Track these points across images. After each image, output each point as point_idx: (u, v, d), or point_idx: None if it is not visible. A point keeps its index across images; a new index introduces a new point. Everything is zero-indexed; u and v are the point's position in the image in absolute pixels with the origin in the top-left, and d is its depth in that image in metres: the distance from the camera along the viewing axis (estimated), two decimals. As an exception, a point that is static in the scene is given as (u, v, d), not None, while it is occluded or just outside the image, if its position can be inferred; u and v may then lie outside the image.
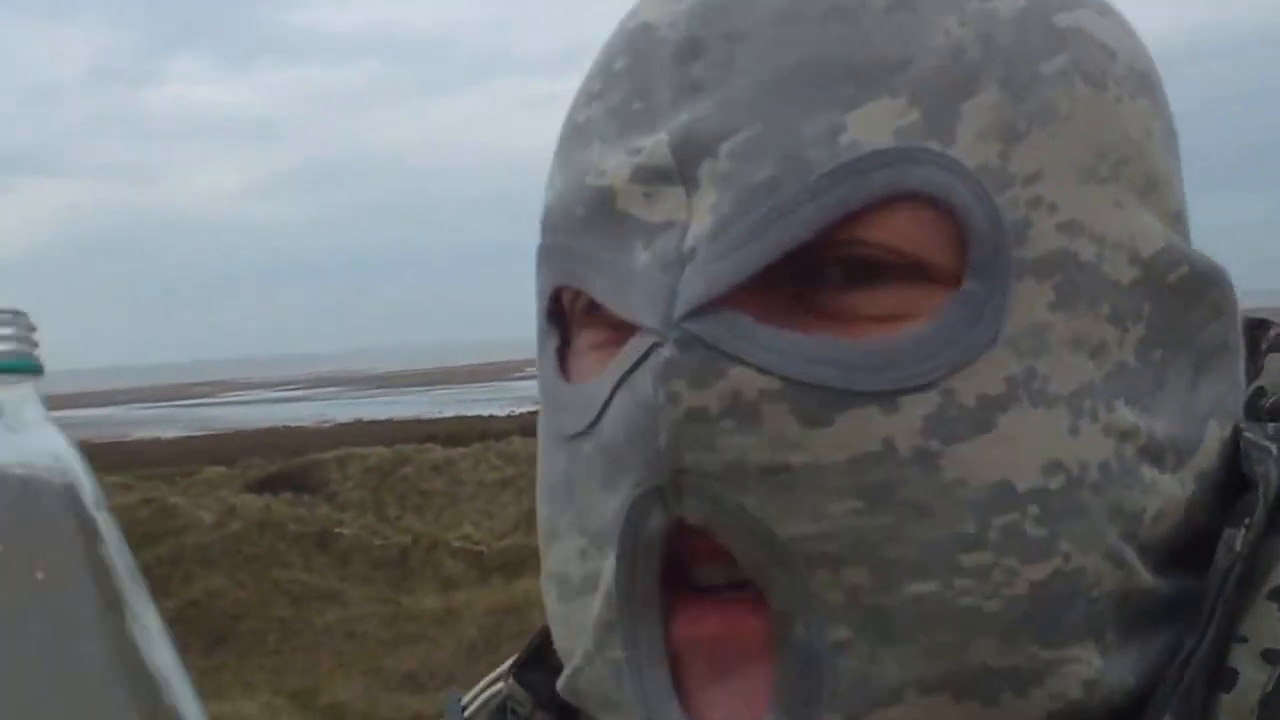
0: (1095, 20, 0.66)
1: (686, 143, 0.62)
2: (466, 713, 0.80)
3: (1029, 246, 0.61)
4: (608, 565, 0.63)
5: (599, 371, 0.64)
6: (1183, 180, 0.68)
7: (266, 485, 19.48)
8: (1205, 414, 0.65)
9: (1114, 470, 0.61)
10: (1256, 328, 0.73)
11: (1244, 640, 0.61)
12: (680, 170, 0.61)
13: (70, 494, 0.52)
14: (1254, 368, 0.71)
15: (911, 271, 0.61)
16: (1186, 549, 0.64)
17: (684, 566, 0.63)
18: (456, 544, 15.97)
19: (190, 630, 13.50)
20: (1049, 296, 0.61)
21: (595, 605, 0.64)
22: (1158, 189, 0.65)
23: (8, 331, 0.51)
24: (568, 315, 0.69)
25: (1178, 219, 0.67)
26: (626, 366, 0.61)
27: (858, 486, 0.59)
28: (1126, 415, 0.62)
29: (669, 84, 0.63)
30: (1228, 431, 0.65)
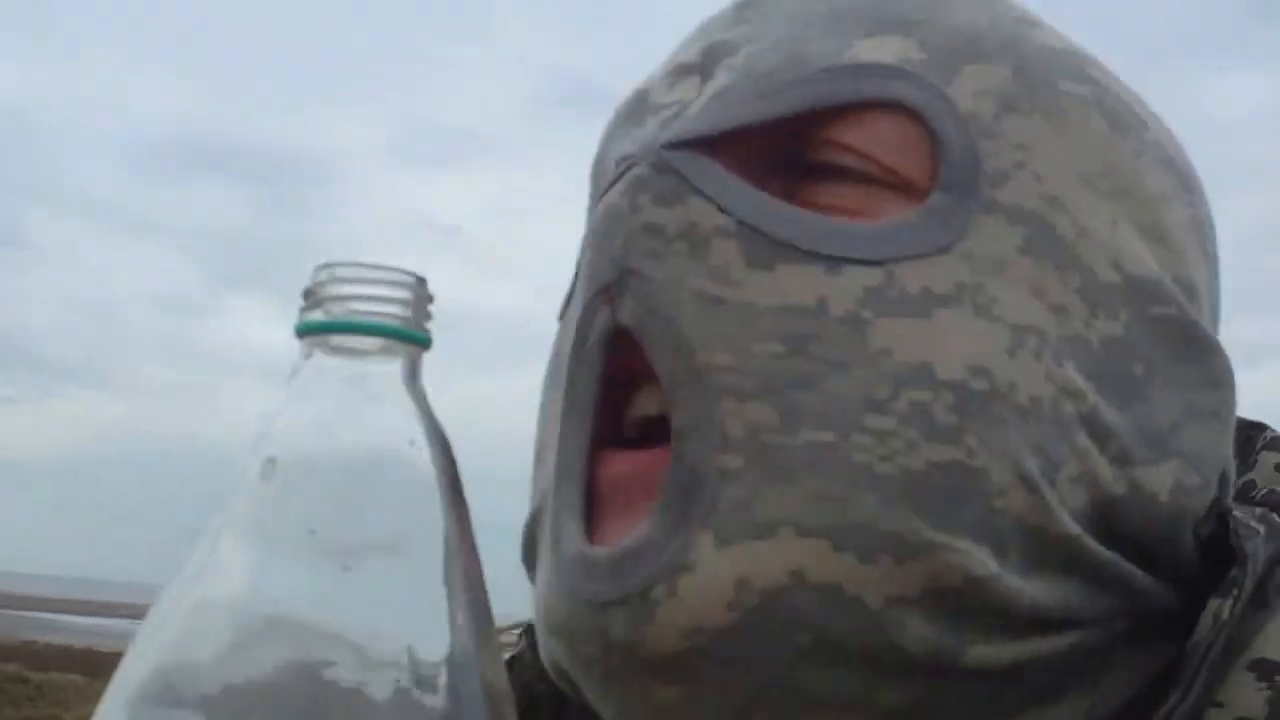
0: (1133, 95, 0.70)
1: (714, 47, 0.68)
2: None
3: (1005, 192, 0.63)
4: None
5: None
6: (1212, 287, 0.70)
7: None
8: (1174, 451, 0.65)
9: (1045, 410, 0.61)
10: (1251, 428, 0.74)
11: (1220, 706, 0.62)
12: (703, 65, 0.67)
13: (442, 477, 0.46)
14: (1244, 466, 0.73)
15: (885, 178, 0.63)
16: (1121, 548, 0.64)
17: (619, 414, 0.64)
18: None
19: None
20: (1016, 240, 0.63)
21: (553, 449, 0.65)
22: (1166, 246, 0.67)
23: (403, 295, 0.46)
24: None
25: (1187, 288, 0.68)
26: (602, 190, 0.66)
27: (783, 332, 0.60)
28: (1076, 380, 0.62)
29: (722, 22, 0.70)
30: (1191, 481, 0.65)
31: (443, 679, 0.43)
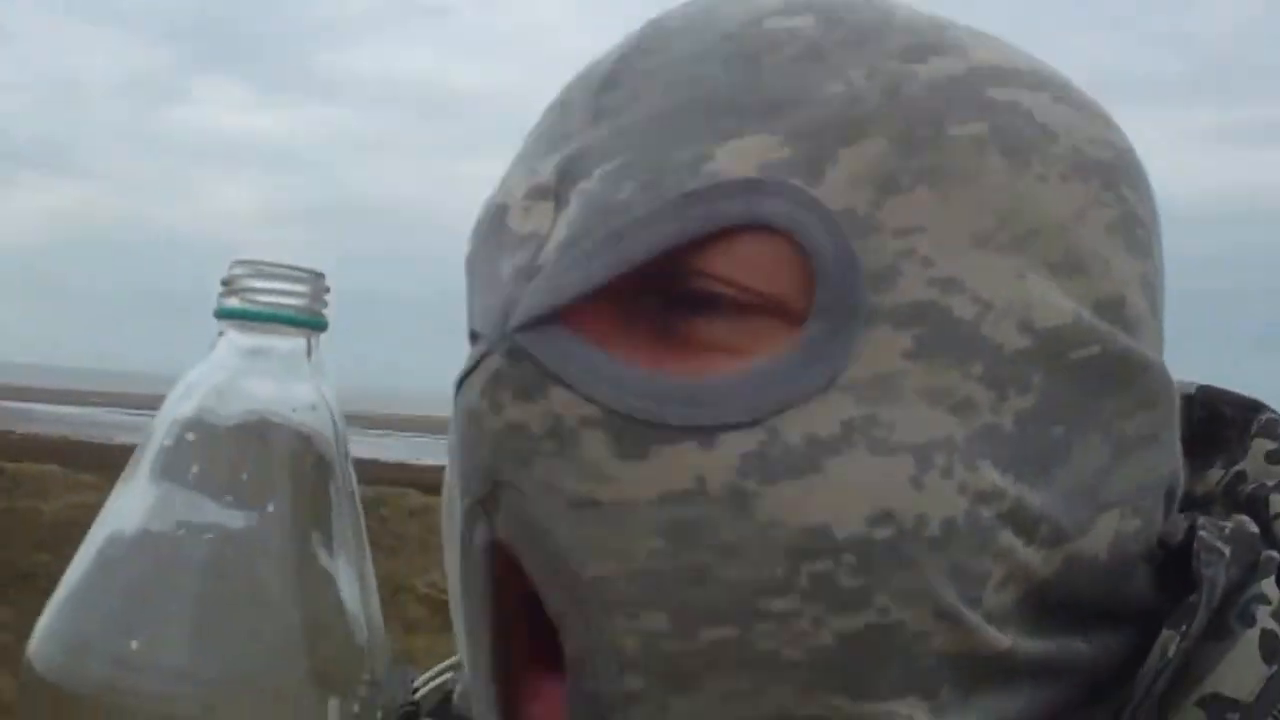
0: (1042, 102, 0.64)
1: (570, 164, 0.61)
2: (417, 694, 0.78)
3: (891, 294, 0.59)
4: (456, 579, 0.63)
5: None
6: (1146, 277, 0.66)
7: None
8: (1107, 502, 0.62)
9: (961, 529, 0.58)
10: (1249, 410, 0.73)
11: None
12: (557, 188, 0.61)
13: (313, 442, 0.59)
14: (1239, 451, 0.71)
15: (760, 306, 0.59)
16: (1059, 618, 0.62)
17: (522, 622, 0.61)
18: (423, 590, 15.91)
19: None
20: (905, 345, 0.59)
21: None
22: (1083, 271, 0.63)
23: (301, 289, 0.59)
24: None
25: (1110, 306, 0.63)
26: (461, 374, 0.60)
27: (664, 525, 0.56)
28: (992, 478, 0.59)
29: (584, 111, 0.63)
30: (1130, 526, 0.63)
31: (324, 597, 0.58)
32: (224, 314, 0.59)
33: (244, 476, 0.57)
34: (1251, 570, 0.64)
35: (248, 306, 0.59)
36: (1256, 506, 0.68)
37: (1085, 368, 0.62)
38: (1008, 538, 0.59)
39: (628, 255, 0.58)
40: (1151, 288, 0.66)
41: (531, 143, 0.65)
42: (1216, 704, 0.60)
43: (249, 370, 0.59)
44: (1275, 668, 0.61)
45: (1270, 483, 0.69)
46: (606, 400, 0.58)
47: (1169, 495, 0.66)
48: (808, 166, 0.59)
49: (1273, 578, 0.64)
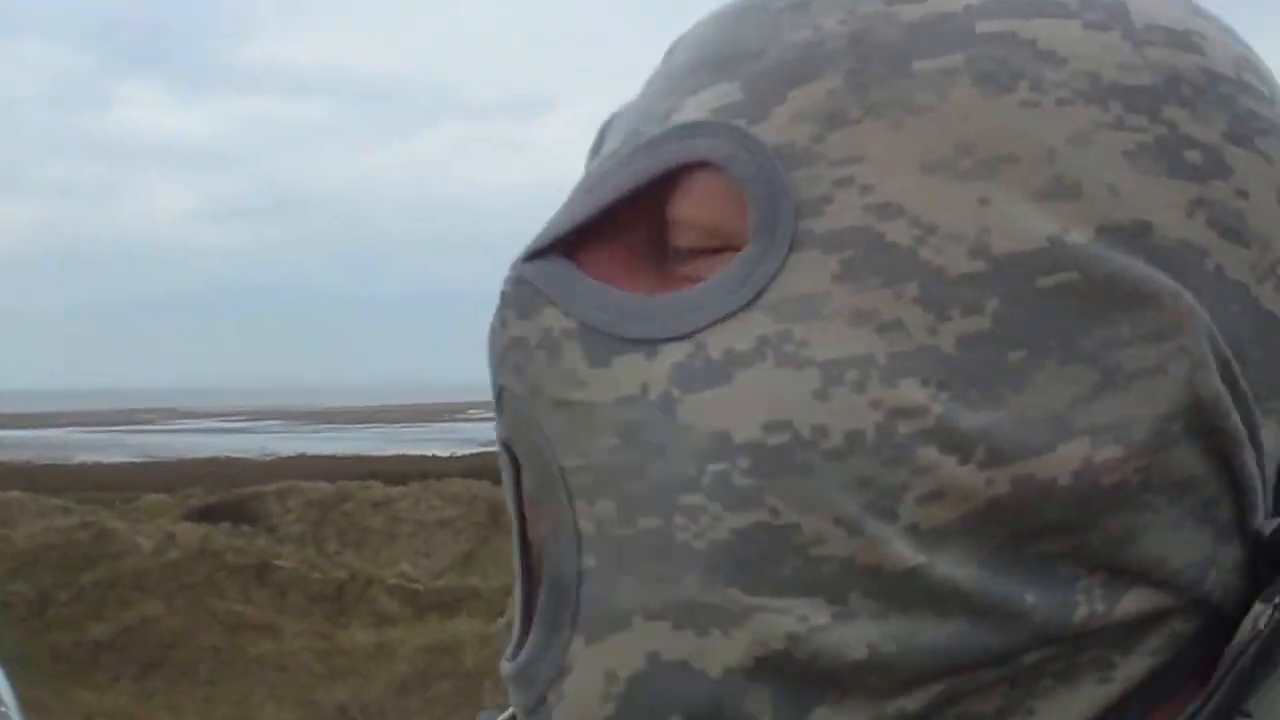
0: (1060, 31, 0.64)
1: (611, 119, 0.71)
2: None
3: (823, 220, 0.62)
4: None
5: None
6: (1205, 201, 0.63)
7: (207, 515, 19.27)
8: (1078, 430, 0.61)
9: (869, 442, 0.60)
10: None
11: (1248, 715, 0.60)
12: (598, 141, 0.71)
13: None
14: None
15: (715, 243, 0.64)
16: (1032, 559, 0.62)
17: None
18: (392, 581, 15.82)
19: (122, 656, 13.67)
20: (833, 268, 0.61)
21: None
22: (1079, 196, 0.62)
23: None
24: None
25: (1122, 232, 0.62)
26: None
27: (617, 425, 0.63)
28: (914, 395, 0.60)
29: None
30: (1106, 455, 0.61)
31: None
32: None
33: None
34: None
35: None
36: None
37: (1060, 294, 0.61)
38: (931, 454, 0.60)
39: (599, 198, 0.66)
40: (1223, 210, 0.63)
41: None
42: None
43: None
44: None
45: None
46: (581, 315, 0.64)
47: (1197, 410, 0.62)
48: (755, 108, 0.63)
49: None
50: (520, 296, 0.66)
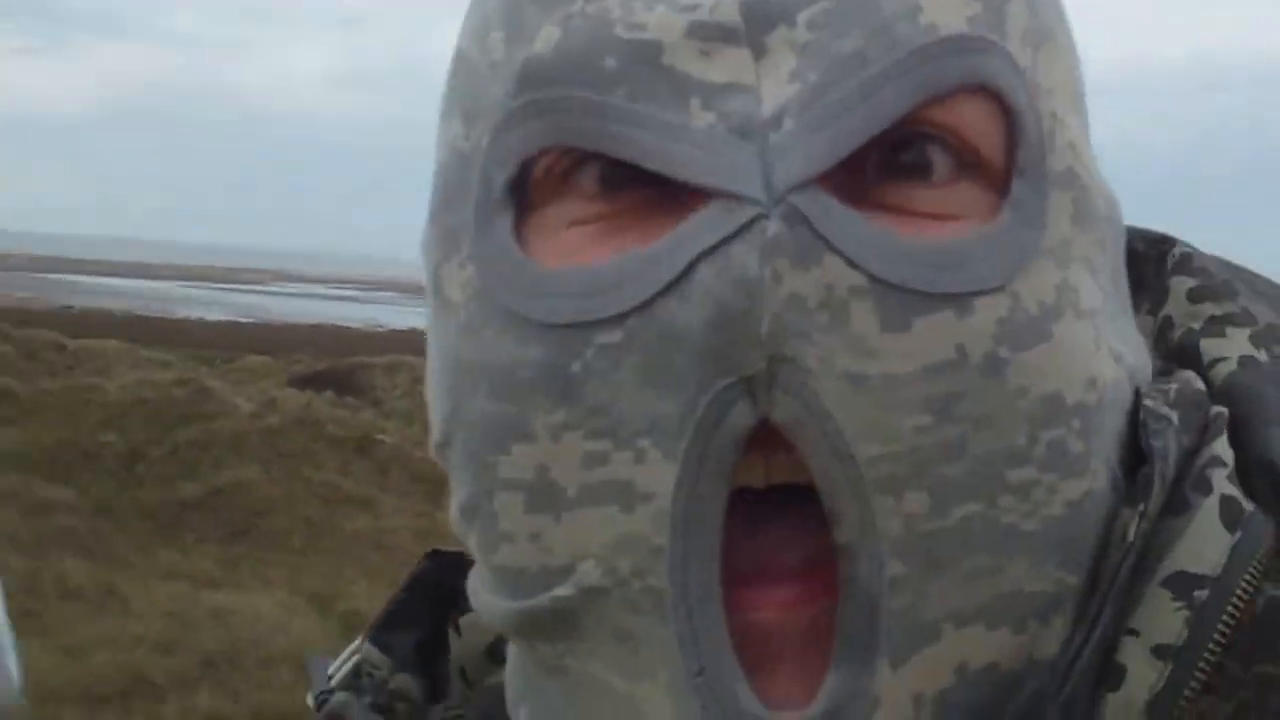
0: None
1: (759, 6, 0.59)
2: (332, 681, 0.76)
3: (1055, 158, 0.61)
4: (661, 473, 0.58)
5: (592, 251, 0.60)
6: None
7: (310, 382, 19.41)
8: (1124, 336, 0.65)
9: (1118, 390, 0.61)
10: (1160, 243, 0.73)
11: (1134, 634, 0.59)
12: (748, 33, 0.58)
13: None
14: (1161, 289, 0.71)
15: (968, 168, 0.60)
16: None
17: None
18: None
19: (211, 519, 13.64)
20: (1070, 210, 0.61)
21: (632, 521, 0.59)
22: (1089, 128, 0.66)
23: None
24: (534, 187, 0.63)
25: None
26: (710, 240, 0.56)
27: (927, 399, 0.57)
28: (1115, 341, 0.62)
29: None
30: (1134, 360, 0.65)
31: None
32: None
33: None
34: (1203, 433, 0.63)
35: None
36: (1188, 356, 0.68)
37: (1113, 224, 0.65)
38: (1129, 395, 0.62)
39: (880, 112, 0.57)
40: None
41: None
42: (1182, 581, 0.59)
43: None
44: (1239, 534, 0.60)
45: (1196, 326, 0.69)
46: (872, 268, 0.56)
47: None
48: (995, 21, 0.60)
49: (1224, 436, 0.63)
50: (798, 241, 0.56)
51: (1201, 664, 0.58)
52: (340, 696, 0.74)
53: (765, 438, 0.57)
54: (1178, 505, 0.61)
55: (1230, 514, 0.60)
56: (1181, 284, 0.70)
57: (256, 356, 22.50)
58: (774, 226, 0.55)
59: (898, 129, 0.58)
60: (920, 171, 0.59)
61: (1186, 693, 0.58)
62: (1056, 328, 0.58)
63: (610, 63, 0.59)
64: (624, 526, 0.59)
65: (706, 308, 0.56)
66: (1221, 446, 0.62)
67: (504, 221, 0.63)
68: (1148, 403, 0.63)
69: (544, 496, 0.61)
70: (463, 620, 0.77)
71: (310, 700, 0.76)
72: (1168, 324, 0.70)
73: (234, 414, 15.61)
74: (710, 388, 0.57)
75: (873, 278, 0.56)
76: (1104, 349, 0.61)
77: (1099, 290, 0.62)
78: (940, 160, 0.59)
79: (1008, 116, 0.60)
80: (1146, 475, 0.60)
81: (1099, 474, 0.59)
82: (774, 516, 0.59)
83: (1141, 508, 0.60)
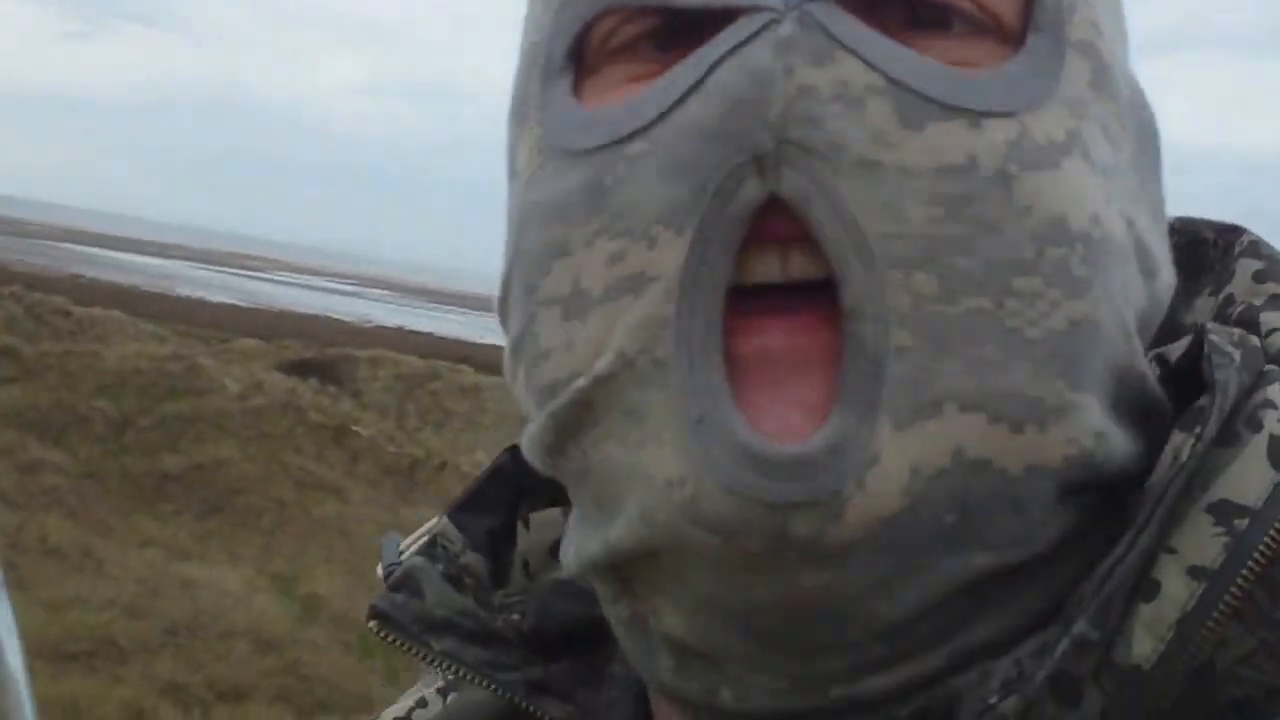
0: None
1: None
2: (403, 554, 0.79)
3: (1071, 27, 0.64)
4: (670, 251, 0.61)
5: (639, 89, 0.64)
6: None
7: (297, 369, 19.49)
8: (1162, 254, 0.68)
9: (1125, 248, 0.64)
10: (1228, 233, 0.75)
11: (1173, 552, 0.60)
12: None
13: None
14: (1226, 273, 0.73)
15: (982, 21, 0.63)
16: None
17: (741, 262, 0.61)
18: (466, 468, 15.85)
19: (189, 493, 13.84)
20: (1087, 75, 0.64)
21: (642, 302, 0.61)
22: (1126, 37, 0.70)
23: None
24: (592, 52, 0.67)
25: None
26: (731, 44, 0.60)
27: (939, 195, 0.59)
28: (1129, 208, 0.65)
29: None
30: (1173, 278, 0.69)
31: None
32: None
33: None
34: (1258, 378, 0.64)
35: None
36: (1247, 327, 0.68)
37: (1144, 128, 0.69)
38: (1135, 264, 0.65)
39: None
40: None
41: None
42: (1224, 509, 0.60)
43: None
44: None
45: (1258, 302, 0.70)
46: (890, 71, 0.60)
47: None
48: None
49: (1278, 385, 0.64)
50: (812, 41, 0.60)
51: (1233, 588, 0.59)
52: (414, 559, 0.77)
53: (780, 227, 0.59)
54: (1229, 438, 0.61)
55: (1277, 453, 0.61)
56: (1248, 266, 0.72)
57: (249, 340, 22.41)
58: (788, 28, 0.59)
59: None
60: (941, 24, 0.62)
61: (1215, 614, 0.59)
62: (1066, 162, 0.61)
63: None
64: (635, 312, 0.61)
65: (722, 99, 0.59)
66: (1276, 392, 0.63)
67: (564, 82, 0.67)
68: (1213, 337, 0.64)
69: (575, 304, 0.63)
70: (533, 516, 0.80)
71: (380, 571, 0.78)
72: (1229, 300, 0.71)
73: (222, 392, 15.82)
74: (723, 167, 0.59)
75: (890, 79, 0.59)
76: (1114, 207, 0.62)
77: (1114, 155, 0.64)
78: (960, 19, 0.62)
79: None
80: (1205, 405, 0.61)
81: (1099, 304, 0.60)
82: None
83: (1198, 430, 0.61)
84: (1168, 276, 0.68)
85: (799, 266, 0.60)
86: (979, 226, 0.59)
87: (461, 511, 0.80)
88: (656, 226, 0.61)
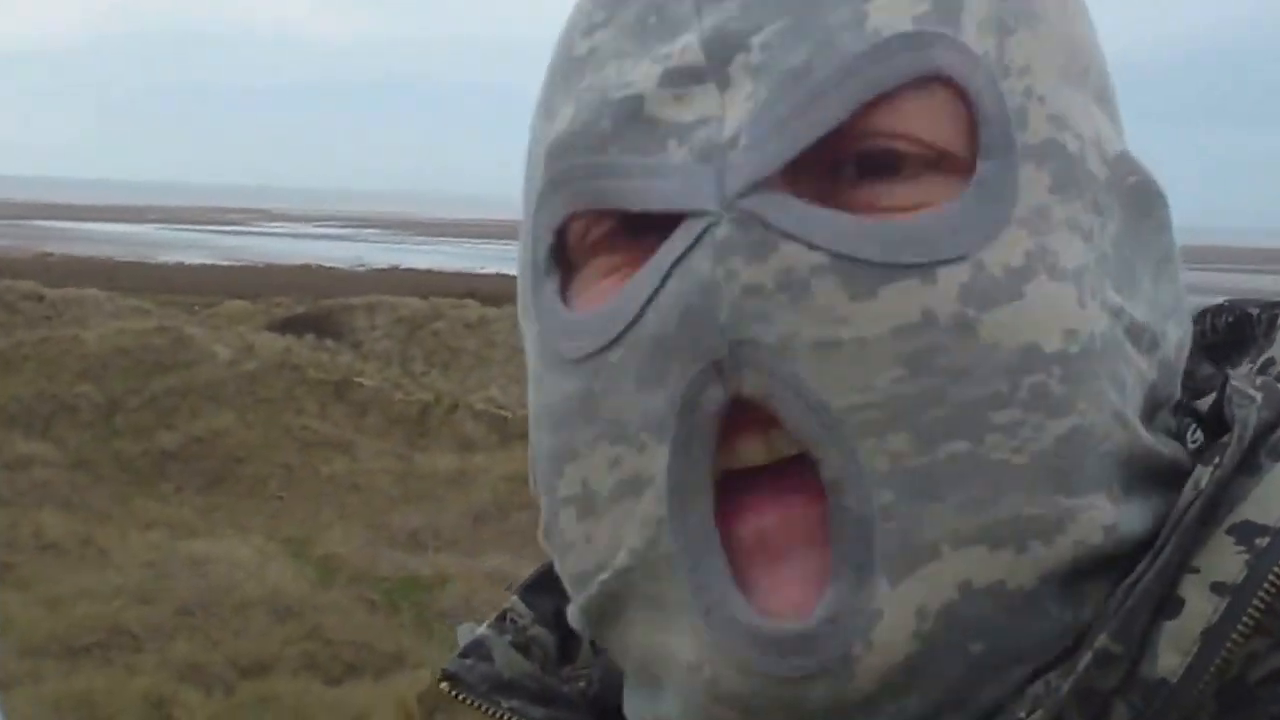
0: None
1: (716, 40, 0.65)
2: (476, 633, 0.82)
3: (1028, 133, 0.65)
4: (657, 456, 0.65)
5: (613, 292, 0.67)
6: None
7: (290, 326, 19.39)
8: (1166, 313, 0.70)
9: (1111, 341, 0.66)
10: (1275, 306, 0.78)
11: (1196, 571, 0.64)
12: (711, 68, 0.65)
13: None
14: (1268, 342, 0.76)
15: (929, 162, 0.64)
16: (1159, 426, 0.70)
17: (726, 449, 0.65)
18: (480, 406, 15.79)
19: (189, 468, 13.79)
20: (1047, 181, 0.65)
21: (642, 504, 0.66)
22: (1109, 102, 0.71)
23: None
24: (572, 251, 0.71)
25: (1121, 136, 0.71)
26: (677, 253, 0.63)
27: (900, 355, 0.62)
28: (1114, 297, 0.67)
29: None
30: (1182, 333, 0.71)
31: None
32: None
33: None
34: None
35: None
36: None
37: (1133, 193, 0.70)
38: (1129, 347, 0.67)
39: (824, 118, 0.63)
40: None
41: (618, 38, 0.69)
42: (1246, 529, 0.64)
43: None
44: None
45: None
46: (833, 247, 0.62)
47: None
48: (947, 17, 0.65)
49: None
50: (749, 237, 0.62)
51: (1256, 601, 0.62)
52: (484, 630, 0.82)
53: (756, 416, 0.63)
54: (1251, 467, 0.65)
55: None
56: None
57: (236, 301, 22.33)
58: (724, 230, 0.62)
59: (866, 140, 0.64)
60: (886, 171, 0.64)
61: (1240, 627, 0.62)
62: (1028, 287, 0.63)
63: (605, 124, 0.67)
64: (638, 511, 0.66)
65: (674, 310, 0.63)
66: None
67: (551, 284, 0.71)
68: (1235, 383, 0.69)
69: (588, 504, 0.68)
70: None
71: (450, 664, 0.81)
72: (1269, 363, 0.74)
73: (212, 360, 15.63)
74: (685, 377, 0.63)
75: (834, 255, 0.62)
76: (1093, 304, 0.65)
77: (1091, 247, 0.66)
78: (905, 159, 0.64)
79: (967, 101, 0.65)
80: (1226, 441, 0.65)
81: (1087, 412, 0.63)
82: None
83: (1217, 460, 0.65)
84: (1176, 333, 0.71)
85: (782, 446, 0.64)
86: (946, 376, 0.62)
87: (530, 591, 0.84)
88: (642, 434, 0.65)
